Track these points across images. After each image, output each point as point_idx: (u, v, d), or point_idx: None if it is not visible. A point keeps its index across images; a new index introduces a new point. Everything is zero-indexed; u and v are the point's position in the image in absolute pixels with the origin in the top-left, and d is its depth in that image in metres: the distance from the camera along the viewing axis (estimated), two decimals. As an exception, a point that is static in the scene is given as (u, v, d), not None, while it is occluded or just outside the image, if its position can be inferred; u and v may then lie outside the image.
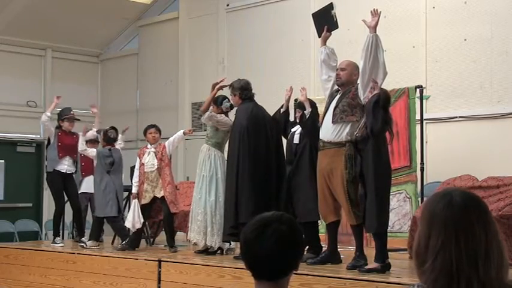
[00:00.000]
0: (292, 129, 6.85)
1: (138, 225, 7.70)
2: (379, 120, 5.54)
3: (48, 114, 8.29)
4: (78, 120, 8.76)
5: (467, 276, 1.77)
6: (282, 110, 6.96)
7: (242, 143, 6.70)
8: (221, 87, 7.11)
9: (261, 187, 6.65)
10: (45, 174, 11.84)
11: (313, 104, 6.67)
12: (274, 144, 6.86)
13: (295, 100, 7.50)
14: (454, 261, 1.78)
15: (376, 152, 5.61)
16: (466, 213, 1.84)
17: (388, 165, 5.79)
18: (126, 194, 8.58)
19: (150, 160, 7.79)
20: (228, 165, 6.95)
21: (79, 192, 8.74)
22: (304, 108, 6.51)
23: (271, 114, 7.06)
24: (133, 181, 7.93)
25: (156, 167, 7.74)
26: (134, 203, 7.76)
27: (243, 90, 6.93)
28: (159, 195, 7.72)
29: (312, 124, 6.42)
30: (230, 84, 7.07)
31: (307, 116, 6.48)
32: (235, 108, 7.14)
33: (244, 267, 2.12)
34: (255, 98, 7.05)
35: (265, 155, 6.74)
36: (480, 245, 1.80)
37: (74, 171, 8.49)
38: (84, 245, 8.03)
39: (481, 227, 1.83)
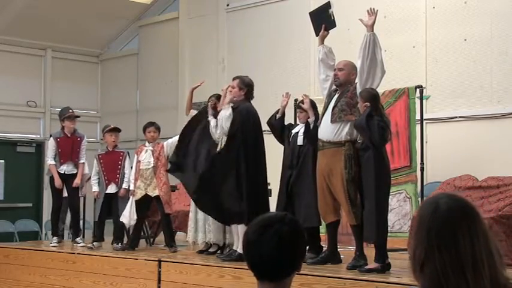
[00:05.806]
0: (294, 130, 6.74)
1: (133, 222, 7.73)
2: (375, 132, 5.52)
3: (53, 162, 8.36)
4: (78, 117, 8.77)
5: (455, 287, 1.70)
6: (277, 116, 6.82)
7: (261, 141, 6.65)
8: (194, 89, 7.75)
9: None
10: (45, 174, 11.90)
11: (313, 105, 6.65)
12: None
13: (295, 100, 7.50)
14: (440, 273, 1.71)
15: (378, 162, 5.60)
16: (450, 224, 1.75)
17: (389, 175, 5.78)
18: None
19: (146, 158, 7.80)
20: (244, 153, 6.50)
21: None
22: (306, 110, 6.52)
23: (266, 116, 6.98)
24: (130, 178, 7.95)
25: (152, 165, 7.74)
26: (131, 200, 7.78)
27: (251, 90, 6.73)
28: (151, 194, 7.71)
29: (315, 133, 6.29)
30: (237, 76, 6.84)
31: (311, 125, 6.45)
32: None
33: (244, 267, 2.12)
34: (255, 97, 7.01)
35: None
36: (466, 257, 1.72)
37: (75, 172, 8.45)
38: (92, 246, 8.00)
39: (466, 239, 1.74)
